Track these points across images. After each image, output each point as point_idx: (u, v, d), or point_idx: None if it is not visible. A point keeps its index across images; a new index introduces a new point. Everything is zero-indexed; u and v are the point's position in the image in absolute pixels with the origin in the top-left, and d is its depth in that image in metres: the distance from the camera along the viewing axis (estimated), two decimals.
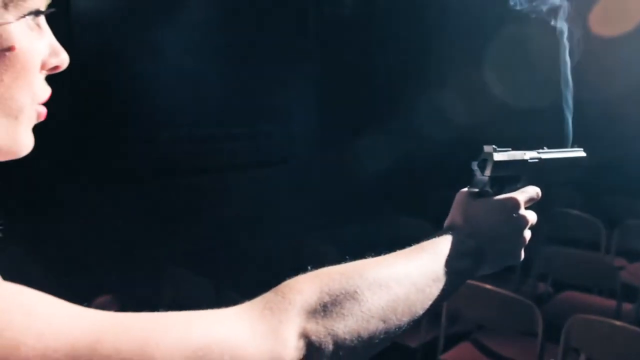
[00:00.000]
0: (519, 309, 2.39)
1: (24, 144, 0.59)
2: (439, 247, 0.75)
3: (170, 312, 0.54)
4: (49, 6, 0.61)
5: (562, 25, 0.93)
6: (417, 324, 0.70)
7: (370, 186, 4.51)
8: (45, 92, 0.62)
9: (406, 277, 0.68)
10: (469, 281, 2.48)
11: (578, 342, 2.30)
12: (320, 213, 4.12)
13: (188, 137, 4.29)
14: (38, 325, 0.46)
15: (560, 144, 0.98)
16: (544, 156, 0.89)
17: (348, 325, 0.61)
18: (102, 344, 0.47)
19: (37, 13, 0.58)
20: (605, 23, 3.65)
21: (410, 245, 0.77)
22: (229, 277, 2.73)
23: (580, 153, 0.95)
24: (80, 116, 3.55)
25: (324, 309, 0.61)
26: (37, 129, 0.63)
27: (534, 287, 3.18)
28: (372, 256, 0.72)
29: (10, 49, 0.55)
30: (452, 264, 0.74)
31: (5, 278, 0.52)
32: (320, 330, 0.59)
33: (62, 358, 0.45)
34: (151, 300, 2.41)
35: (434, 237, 0.77)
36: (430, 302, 0.70)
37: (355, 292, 0.63)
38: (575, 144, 0.96)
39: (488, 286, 2.44)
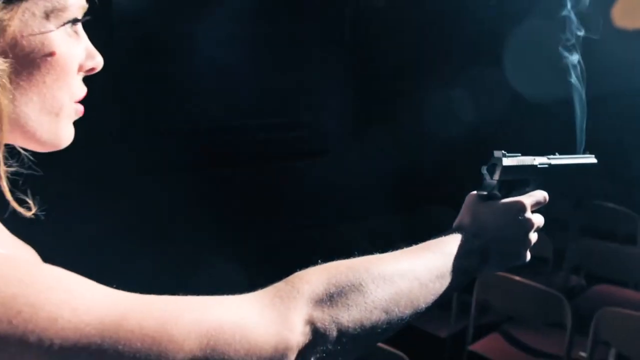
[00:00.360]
0: (548, 301, 2.39)
1: (65, 137, 0.67)
2: (445, 246, 0.79)
3: (189, 296, 0.60)
4: (85, 14, 0.68)
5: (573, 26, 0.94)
6: (421, 315, 0.74)
7: (405, 177, 4.52)
8: (82, 91, 0.69)
9: (410, 273, 0.72)
10: (499, 273, 2.48)
11: (608, 335, 2.29)
12: (353, 204, 4.16)
13: (223, 128, 4.37)
14: (73, 302, 0.52)
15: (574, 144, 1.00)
16: (553, 162, 0.92)
17: (352, 314, 0.66)
18: (127, 320, 0.54)
19: (74, 21, 0.65)
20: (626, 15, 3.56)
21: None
22: (262, 265, 2.80)
23: (591, 160, 0.97)
24: (122, 108, 3.66)
25: (330, 298, 0.65)
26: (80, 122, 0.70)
27: (566, 279, 3.17)
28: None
29: (51, 54, 0.62)
30: (457, 261, 0.78)
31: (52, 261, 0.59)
32: (325, 318, 0.64)
33: (92, 331, 0.52)
34: (188, 284, 2.50)
35: (442, 236, 0.82)
36: (433, 297, 0.74)
37: (361, 284, 0.67)
38: (588, 150, 0.97)
39: (517, 278, 2.45)
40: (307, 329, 0.63)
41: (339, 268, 0.69)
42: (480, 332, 2.64)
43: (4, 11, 0.59)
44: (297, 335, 0.62)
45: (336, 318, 0.65)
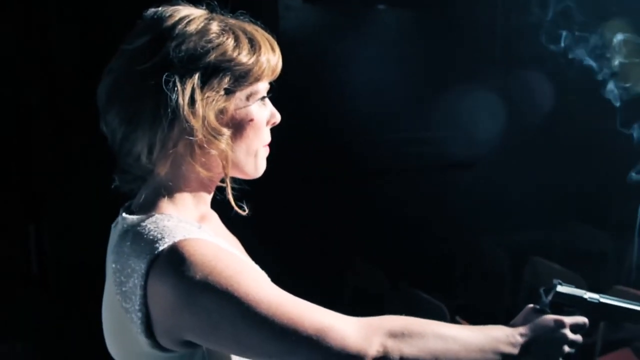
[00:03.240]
0: None
1: (260, 169, 1.13)
2: (493, 332, 1.11)
3: (322, 307, 1.00)
4: (268, 92, 1.12)
5: None
6: None
7: (554, 192, 4.51)
8: (269, 138, 1.14)
9: (460, 340, 1.05)
10: (633, 290, 2.63)
11: None
12: (500, 217, 4.27)
13: (378, 141, 4.72)
14: (258, 286, 0.96)
15: None
16: (603, 300, 1.13)
17: (412, 351, 1.00)
18: (283, 305, 0.96)
19: (262, 98, 1.10)
20: None
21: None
22: (406, 274, 3.14)
23: None
24: (288, 122, 4.15)
25: (402, 336, 1.00)
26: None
27: None
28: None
29: (251, 120, 1.07)
30: (498, 346, 1.09)
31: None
32: (394, 346, 1.00)
33: (264, 305, 0.94)
34: (335, 288, 2.91)
35: (495, 325, 1.14)
36: None
37: (425, 335, 1.02)
38: None
39: None
40: (381, 349, 0.99)
41: (415, 320, 1.05)
42: (610, 346, 2.75)
43: (227, 101, 1.04)
44: (373, 351, 0.98)
45: (400, 349, 1.00)
